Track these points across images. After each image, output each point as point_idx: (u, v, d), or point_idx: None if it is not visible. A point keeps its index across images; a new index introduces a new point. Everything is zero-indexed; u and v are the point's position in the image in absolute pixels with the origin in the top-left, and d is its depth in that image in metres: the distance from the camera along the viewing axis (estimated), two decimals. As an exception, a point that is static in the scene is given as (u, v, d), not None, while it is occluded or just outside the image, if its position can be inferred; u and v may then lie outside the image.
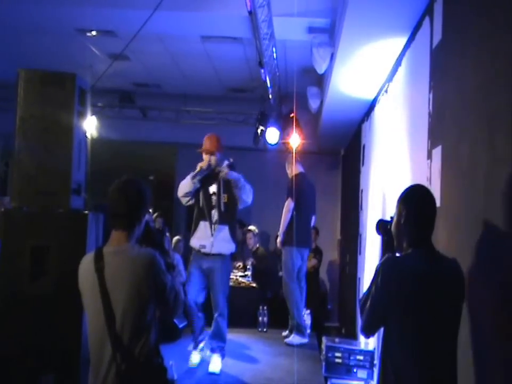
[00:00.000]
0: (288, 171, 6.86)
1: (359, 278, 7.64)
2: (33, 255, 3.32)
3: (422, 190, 2.80)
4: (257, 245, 9.47)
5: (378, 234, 3.04)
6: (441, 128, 3.70)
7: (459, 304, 2.61)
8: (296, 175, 6.71)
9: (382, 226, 2.99)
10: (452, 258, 2.68)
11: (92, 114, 9.05)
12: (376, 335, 3.03)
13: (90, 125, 8.72)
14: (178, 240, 8.68)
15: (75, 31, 7.39)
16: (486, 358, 2.65)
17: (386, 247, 2.89)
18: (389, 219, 2.94)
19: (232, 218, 5.61)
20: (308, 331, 6.76)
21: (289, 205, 6.54)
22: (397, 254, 2.77)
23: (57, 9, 6.31)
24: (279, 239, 6.61)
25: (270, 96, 8.43)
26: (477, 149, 2.90)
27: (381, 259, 2.77)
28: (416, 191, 2.79)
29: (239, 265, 9.21)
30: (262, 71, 6.84)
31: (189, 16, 6.24)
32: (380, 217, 5.91)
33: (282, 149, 9.06)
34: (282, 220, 6.56)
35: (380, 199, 6.01)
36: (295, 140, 8.02)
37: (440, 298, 2.55)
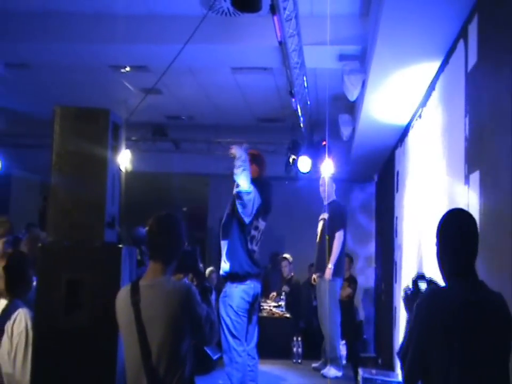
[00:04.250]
0: (324, 197, 6.87)
1: (395, 307, 7.48)
2: (68, 289, 3.32)
3: (461, 215, 2.66)
4: (292, 274, 9.39)
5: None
6: (478, 153, 3.62)
7: (507, 339, 2.46)
8: (337, 202, 6.74)
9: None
10: (497, 292, 2.54)
11: (126, 148, 9.17)
12: None
13: (124, 159, 8.82)
14: (211, 271, 8.64)
15: (109, 67, 7.52)
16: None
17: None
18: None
19: (232, 231, 5.08)
20: (343, 362, 6.64)
21: (341, 235, 6.54)
22: (440, 286, 2.64)
23: (91, 46, 6.43)
24: (329, 270, 6.51)
25: (301, 125, 8.41)
26: (517, 173, 2.82)
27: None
28: (454, 216, 2.64)
29: (273, 295, 9.12)
30: (293, 100, 6.84)
31: (219, 48, 6.30)
32: (415, 245, 5.80)
33: (314, 177, 9.02)
34: (334, 251, 6.52)
35: (416, 226, 5.90)
36: (328, 168, 7.99)
37: (485, 332, 2.40)
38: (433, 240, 2.63)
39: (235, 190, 5.02)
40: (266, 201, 5.23)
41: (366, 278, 11.69)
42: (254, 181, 5.11)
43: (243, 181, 4.97)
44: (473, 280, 2.52)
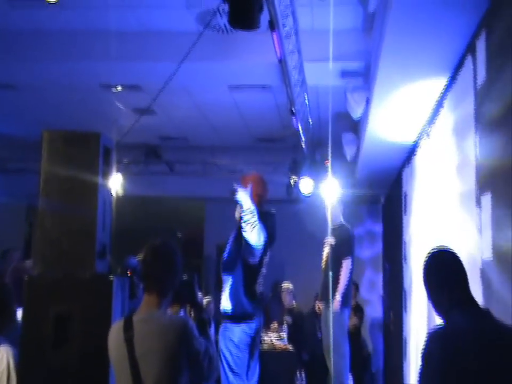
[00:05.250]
0: (330, 220, 6.86)
1: (405, 339, 7.44)
2: (56, 323, 3.31)
3: (442, 253, 2.74)
4: (294, 303, 9.35)
5: None
6: (490, 173, 3.63)
7: None
8: (344, 226, 6.73)
9: None
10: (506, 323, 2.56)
11: (117, 171, 9.19)
12: None
13: (115, 183, 8.84)
14: (209, 302, 8.60)
15: (99, 86, 7.57)
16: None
17: None
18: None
19: (236, 269, 4.94)
20: (351, 397, 6.62)
21: (349, 263, 6.52)
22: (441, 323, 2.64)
23: (80, 65, 6.47)
24: (337, 302, 6.48)
25: (303, 145, 8.45)
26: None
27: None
28: (435, 255, 2.73)
29: (274, 327, 9.08)
30: (294, 119, 6.88)
31: (216, 65, 6.36)
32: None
33: (317, 199, 9.03)
34: (341, 281, 6.49)
35: (426, 250, 5.89)
36: (331, 189, 8.00)
37: (501, 359, 2.41)
38: (422, 285, 2.69)
39: (243, 232, 4.83)
40: (272, 234, 5.16)
41: (373, 306, 11.65)
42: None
43: (254, 237, 4.80)
44: (475, 309, 2.55)
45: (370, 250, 11.76)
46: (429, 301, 2.68)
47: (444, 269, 2.65)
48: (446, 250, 2.78)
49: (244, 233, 4.81)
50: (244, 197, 4.80)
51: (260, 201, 5.07)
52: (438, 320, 2.67)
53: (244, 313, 4.98)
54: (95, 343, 3.14)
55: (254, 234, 4.78)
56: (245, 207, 4.77)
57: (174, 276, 2.96)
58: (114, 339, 2.91)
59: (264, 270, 5.13)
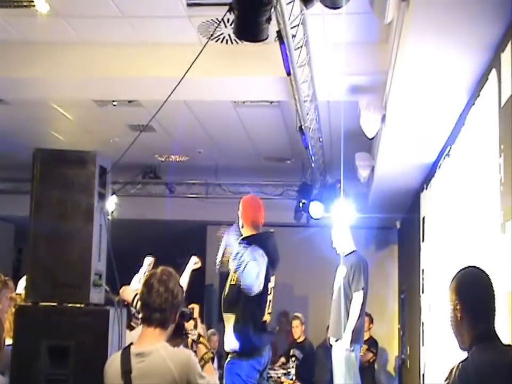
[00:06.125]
0: (340, 248, 6.85)
1: (423, 375, 7.40)
2: (50, 357, 3.30)
3: (476, 274, 2.73)
4: (305, 336, 9.31)
5: None
6: (516, 197, 3.64)
7: None
8: (357, 255, 6.72)
9: None
10: None
11: (112, 193, 9.20)
12: None
13: (110, 205, 8.85)
14: (213, 333, 8.59)
15: (93, 102, 7.60)
16: None
17: None
18: None
19: (239, 304, 4.96)
20: None
21: (360, 297, 6.50)
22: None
23: (73, 78, 6.48)
24: (348, 339, 6.45)
25: (313, 165, 8.46)
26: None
27: None
28: (469, 276, 2.73)
29: (282, 362, 9.04)
30: (303, 137, 6.90)
31: (219, 80, 6.37)
32: (444, 302, 5.76)
33: (328, 224, 9.03)
34: (351, 316, 6.46)
35: (445, 281, 5.87)
36: (344, 213, 8.00)
37: None
38: (448, 301, 2.68)
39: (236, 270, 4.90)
40: (273, 257, 5.18)
41: (389, 340, 11.59)
42: (252, 239, 5.05)
43: (248, 278, 4.82)
44: (498, 344, 2.59)
45: (386, 279, 11.71)
46: (453, 326, 2.66)
47: (483, 292, 2.64)
48: (481, 271, 2.75)
49: (238, 274, 4.85)
50: (228, 241, 4.91)
51: (253, 225, 5.15)
52: (458, 355, 2.67)
53: (253, 349, 4.97)
54: (90, 377, 3.12)
55: (247, 274, 4.81)
56: (233, 251, 4.87)
57: (175, 307, 2.96)
58: (111, 374, 2.91)
59: (270, 297, 5.12)
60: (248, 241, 5.01)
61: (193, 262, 6.09)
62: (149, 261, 6.26)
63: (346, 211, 8.10)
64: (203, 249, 12.12)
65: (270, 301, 5.11)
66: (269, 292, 5.09)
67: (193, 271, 6.20)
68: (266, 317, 5.08)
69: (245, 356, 4.95)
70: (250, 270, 4.82)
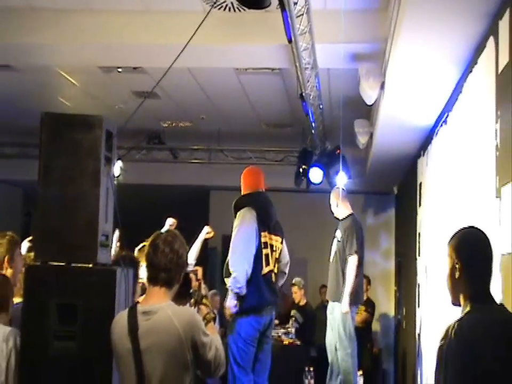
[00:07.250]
0: (336, 212, 6.87)
1: (419, 335, 7.47)
2: (58, 314, 3.34)
3: (477, 235, 2.69)
4: (306, 300, 9.39)
5: None
6: (511, 163, 3.63)
7: None
8: (352, 219, 6.71)
9: None
10: None
11: (118, 158, 9.19)
12: None
13: (115, 170, 8.86)
14: (214, 294, 8.66)
15: (98, 68, 7.58)
16: None
17: None
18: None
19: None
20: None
21: (354, 261, 6.51)
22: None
23: (78, 45, 6.44)
24: (346, 302, 6.48)
25: (313, 131, 8.45)
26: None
27: None
28: (471, 235, 2.70)
29: (281, 323, 9.11)
30: (304, 104, 6.88)
31: (222, 47, 6.33)
32: (440, 264, 5.80)
33: (327, 189, 9.05)
34: (347, 280, 6.47)
35: (441, 244, 5.91)
36: (342, 179, 8.01)
37: None
38: (446, 258, 2.66)
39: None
40: (265, 216, 5.30)
41: (385, 301, 11.68)
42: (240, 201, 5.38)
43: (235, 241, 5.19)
44: (493, 304, 2.59)
45: (383, 243, 11.78)
46: (449, 283, 2.64)
47: (484, 252, 2.60)
48: (481, 231, 2.72)
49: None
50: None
51: (251, 191, 5.46)
52: (452, 315, 2.69)
53: (250, 307, 5.05)
54: (98, 335, 3.17)
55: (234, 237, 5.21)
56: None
57: (180, 268, 2.99)
58: (117, 331, 2.94)
59: (266, 251, 5.21)
60: (239, 205, 5.31)
61: (206, 232, 6.26)
62: (170, 221, 6.35)
63: (344, 176, 8.11)
64: (206, 213, 12.17)
65: (267, 254, 5.19)
66: (263, 246, 5.18)
67: (205, 240, 6.35)
68: (265, 270, 5.16)
69: (245, 314, 5.07)
70: (236, 233, 5.14)
